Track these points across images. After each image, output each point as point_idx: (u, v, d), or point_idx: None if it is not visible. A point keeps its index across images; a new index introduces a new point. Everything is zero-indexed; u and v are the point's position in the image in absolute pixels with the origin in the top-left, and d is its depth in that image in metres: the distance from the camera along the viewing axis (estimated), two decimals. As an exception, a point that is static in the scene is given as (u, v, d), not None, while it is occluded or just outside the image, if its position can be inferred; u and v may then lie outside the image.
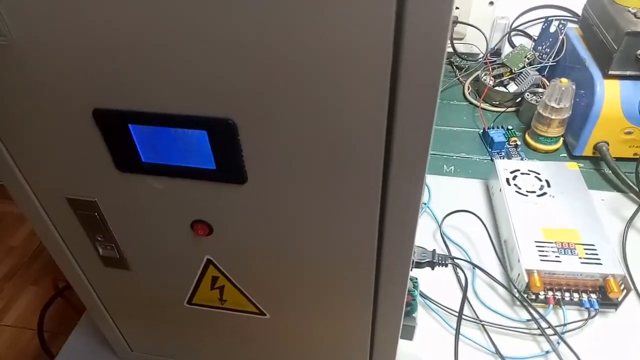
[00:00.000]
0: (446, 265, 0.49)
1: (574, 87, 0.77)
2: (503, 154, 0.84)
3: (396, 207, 0.32)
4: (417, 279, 0.52)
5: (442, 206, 0.73)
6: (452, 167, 0.82)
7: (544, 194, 0.69)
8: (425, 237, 0.70)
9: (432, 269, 0.49)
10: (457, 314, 0.60)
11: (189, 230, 0.37)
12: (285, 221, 0.35)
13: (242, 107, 0.28)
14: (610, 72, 0.74)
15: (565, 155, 0.83)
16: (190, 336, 0.50)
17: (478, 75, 0.96)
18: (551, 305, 0.60)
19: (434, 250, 0.49)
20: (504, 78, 0.92)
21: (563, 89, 0.77)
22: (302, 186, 0.32)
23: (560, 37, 0.87)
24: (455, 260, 0.66)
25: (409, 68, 0.25)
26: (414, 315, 0.52)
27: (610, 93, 0.74)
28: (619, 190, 0.76)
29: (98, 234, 0.40)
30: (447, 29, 0.23)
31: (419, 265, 0.48)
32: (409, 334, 0.52)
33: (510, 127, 0.87)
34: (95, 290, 0.48)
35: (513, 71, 0.91)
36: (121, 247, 0.41)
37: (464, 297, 0.50)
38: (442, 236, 0.69)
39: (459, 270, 0.63)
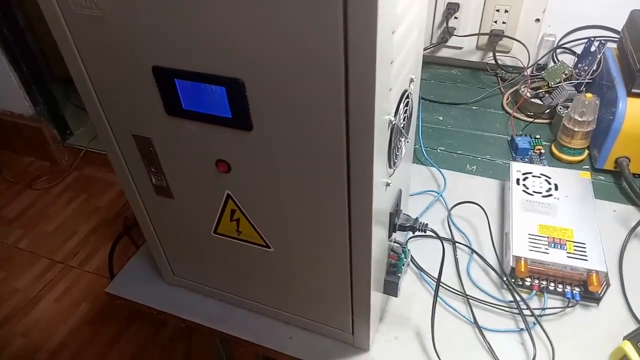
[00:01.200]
0: (425, 232, 0.57)
1: (597, 102, 0.81)
2: (526, 160, 0.89)
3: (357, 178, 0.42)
4: (406, 245, 0.61)
5: (456, 198, 0.80)
6: (475, 167, 0.89)
7: (550, 195, 0.74)
8: (434, 221, 0.78)
9: (413, 232, 0.58)
10: (448, 288, 0.67)
11: (214, 167, 0.50)
12: (283, 165, 0.46)
13: (249, 71, 0.40)
14: (634, 90, 0.77)
15: (588, 167, 0.87)
16: (216, 264, 0.63)
17: (518, 87, 1.01)
18: (534, 292, 0.66)
19: (417, 218, 0.58)
20: (541, 91, 0.97)
21: (586, 102, 0.81)
22: (293, 136, 0.43)
23: (599, 56, 0.90)
24: (456, 243, 0.74)
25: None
26: (398, 274, 0.61)
27: (633, 110, 0.78)
28: (634, 204, 0.79)
29: (152, 166, 0.54)
30: (374, 40, 0.33)
31: (402, 228, 0.57)
32: (392, 290, 0.61)
33: (538, 137, 0.91)
34: (150, 217, 0.62)
35: (550, 85, 0.96)
36: (167, 178, 0.54)
37: (442, 264, 0.58)
38: (448, 222, 0.77)
39: (446, 248, 0.71)
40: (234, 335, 0.64)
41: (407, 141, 0.53)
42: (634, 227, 0.73)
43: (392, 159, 0.48)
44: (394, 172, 0.50)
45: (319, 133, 0.42)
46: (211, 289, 0.67)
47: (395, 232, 0.58)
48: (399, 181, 0.56)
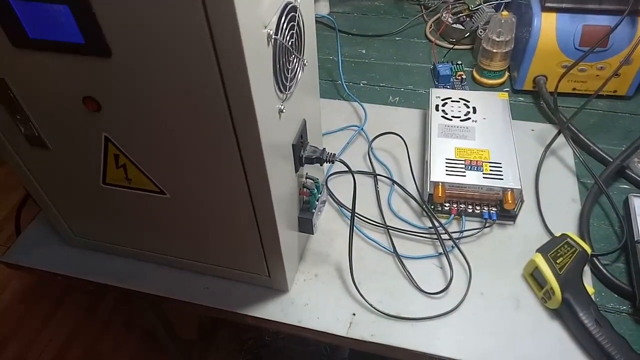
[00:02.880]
0: (333, 162, 0.54)
1: (514, 19, 0.79)
2: (449, 87, 0.87)
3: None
4: (318, 179, 0.58)
5: (378, 131, 0.77)
6: (397, 98, 0.86)
7: (468, 119, 0.72)
8: (356, 156, 0.75)
9: (321, 164, 0.55)
10: (368, 221, 0.66)
11: (82, 106, 0.44)
12: (155, 94, 0.41)
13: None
14: (547, 5, 0.75)
15: (509, 89, 0.86)
16: (114, 218, 0.58)
17: (440, 13, 0.98)
18: (452, 216, 0.65)
19: (324, 148, 0.54)
20: (462, 15, 0.94)
21: (503, 21, 0.79)
22: (158, 58, 0.38)
23: (516, -27, 0.88)
24: (378, 176, 0.72)
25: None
26: (312, 210, 0.58)
27: (547, 26, 0.76)
28: (552, 122, 0.79)
29: (16, 114, 0.47)
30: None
31: (309, 160, 0.54)
32: (307, 227, 0.58)
33: (459, 62, 0.89)
34: (31, 172, 0.55)
35: (470, 8, 0.93)
36: (36, 125, 0.48)
37: (354, 195, 0.56)
38: (369, 155, 0.75)
39: (368, 182, 0.69)
40: (145, 291, 0.61)
41: (305, 64, 0.49)
42: (550, 144, 0.73)
43: (281, 81, 0.43)
44: (287, 97, 0.46)
45: (184, 52, 0.36)
46: (116, 246, 0.63)
47: (302, 165, 0.54)
48: (300, 110, 0.52)
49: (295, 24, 0.44)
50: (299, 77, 0.48)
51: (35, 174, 0.56)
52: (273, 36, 0.39)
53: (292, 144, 0.51)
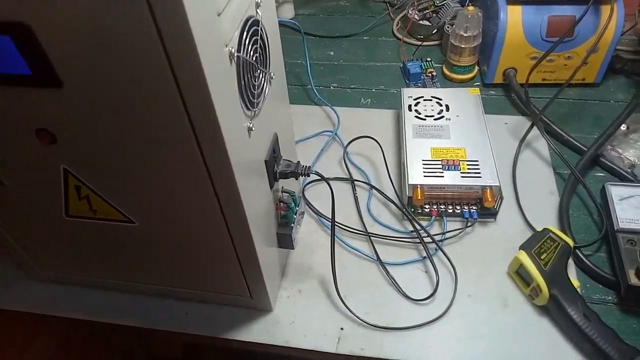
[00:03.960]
0: (308, 175, 0.52)
1: (480, 14, 0.78)
2: (419, 85, 0.86)
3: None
4: (294, 192, 0.56)
5: (352, 135, 0.76)
6: (369, 100, 0.85)
7: (441, 117, 0.72)
8: (331, 162, 0.74)
9: (296, 178, 0.53)
10: (348, 229, 0.64)
11: (36, 139, 0.41)
12: (113, 123, 0.38)
13: (33, 8, 0.31)
14: (511, -3, 0.75)
15: (479, 83, 0.85)
16: (81, 250, 0.55)
17: (406, 10, 0.97)
18: (433, 217, 0.64)
19: (298, 162, 0.53)
20: (427, 11, 0.93)
21: (469, 16, 0.78)
22: (114, 86, 0.35)
23: (478, -33, 0.87)
24: (355, 181, 0.70)
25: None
26: (291, 225, 0.56)
27: (513, 19, 0.76)
28: (524, 114, 0.79)
29: (-35, 150, 0.44)
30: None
31: (284, 175, 0.52)
32: (287, 243, 0.56)
33: (428, 59, 0.89)
34: (-12, 210, 0.52)
35: (436, 4, 0.92)
36: (-12, 161, 0.45)
37: (333, 204, 0.54)
38: (344, 160, 0.73)
39: (345, 188, 0.67)
40: (122, 324, 0.58)
41: (271, 77, 0.47)
42: (524, 137, 0.73)
43: (248, 98, 0.41)
44: (256, 114, 0.44)
45: (142, 78, 0.34)
46: (87, 278, 0.59)
47: (277, 180, 0.52)
48: (271, 124, 0.50)
49: (259, 37, 0.42)
50: (267, 91, 0.46)
51: (-7, 212, 0.52)
52: (235, 54, 0.37)
53: (265, 160, 0.49)
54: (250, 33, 0.40)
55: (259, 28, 0.42)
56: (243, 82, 0.40)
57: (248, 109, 0.42)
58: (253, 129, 0.43)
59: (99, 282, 0.59)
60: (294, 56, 0.93)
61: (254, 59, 0.41)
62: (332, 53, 0.95)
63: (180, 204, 0.45)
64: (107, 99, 0.36)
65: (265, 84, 0.45)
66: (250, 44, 0.40)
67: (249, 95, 0.41)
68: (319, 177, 0.52)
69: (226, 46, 0.36)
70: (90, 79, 0.35)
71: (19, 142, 0.42)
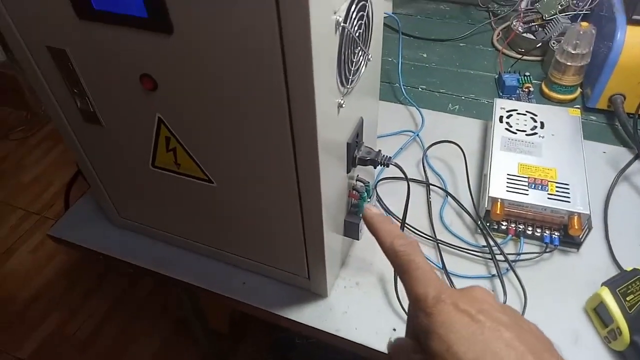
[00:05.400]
0: (388, 166, 0.51)
1: (594, 31, 0.73)
2: (514, 98, 0.82)
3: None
4: (368, 182, 0.55)
5: (434, 139, 0.74)
6: (457, 106, 0.82)
7: (534, 133, 0.67)
8: (409, 162, 0.72)
9: (375, 167, 0.52)
10: (417, 232, 0.62)
11: (139, 83, 0.43)
12: (213, 77, 0.39)
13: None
14: (634, 17, 0.69)
15: (580, 107, 0.80)
16: (160, 202, 0.57)
17: (510, 21, 0.92)
18: (510, 236, 0.60)
19: (379, 150, 0.51)
20: (534, 24, 0.88)
21: (581, 32, 0.73)
22: (220, 39, 0.36)
23: (599, -16, 0.82)
24: (431, 185, 0.68)
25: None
26: (360, 215, 0.55)
27: (632, 40, 0.70)
28: (626, 145, 0.73)
29: (74, 87, 0.47)
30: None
31: (363, 161, 0.51)
32: (353, 232, 0.55)
33: (527, 74, 0.84)
34: (83, 148, 0.55)
35: (544, 18, 0.87)
36: (92, 100, 0.47)
37: (407, 203, 0.52)
38: (423, 163, 0.71)
39: (420, 191, 0.65)
40: (183, 280, 0.59)
41: (369, 59, 0.46)
42: (624, 169, 0.67)
43: (344, 73, 0.41)
44: (348, 92, 0.43)
45: (248, 35, 0.34)
46: (159, 231, 0.62)
47: (355, 166, 0.51)
48: (358, 108, 0.49)
49: (365, 14, 0.41)
50: (362, 71, 0.45)
51: (87, 151, 0.55)
52: (342, 24, 0.37)
53: (347, 143, 0.48)
54: (358, 7, 0.39)
55: (367, 4, 0.41)
56: (343, 56, 0.39)
57: (342, 84, 0.41)
58: (343, 105, 0.42)
59: (168, 236, 0.62)
60: (385, 53, 0.92)
61: (357, 34, 0.41)
62: (425, 55, 0.93)
63: (260, 172, 0.45)
64: (212, 52, 0.37)
65: (362, 63, 0.45)
66: (357, 18, 0.40)
67: (346, 71, 0.41)
68: (396, 175, 0.50)
69: (334, 13, 0.36)
70: (199, 30, 0.36)
71: (123, 85, 0.44)
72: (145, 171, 0.53)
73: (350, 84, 0.43)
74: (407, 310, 0.36)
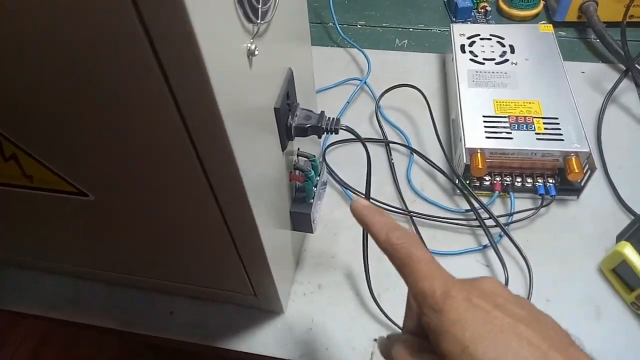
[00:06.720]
0: (337, 132, 0.37)
1: None
2: (470, 22, 0.69)
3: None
4: (314, 156, 0.41)
5: (386, 84, 0.59)
6: (406, 41, 0.68)
7: (505, 60, 0.55)
8: (359, 118, 0.58)
9: (319, 136, 0.37)
10: (384, 206, 0.49)
11: None
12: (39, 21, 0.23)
13: None
14: None
15: (545, 22, 0.68)
16: (26, 228, 0.41)
17: None
18: (497, 193, 0.49)
19: (322, 112, 0.37)
20: None
21: None
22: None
23: None
24: (391, 143, 0.55)
25: None
26: (310, 201, 0.41)
27: None
28: (605, 61, 0.62)
29: None
30: None
31: (301, 131, 0.36)
32: (305, 225, 0.42)
33: (481, -9, 0.71)
34: None
35: None
36: None
37: (368, 174, 0.39)
38: (377, 116, 0.57)
39: (378, 152, 0.52)
40: (86, 322, 0.44)
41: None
42: (612, 89, 0.56)
43: (249, 3, 0.25)
44: (261, 31, 0.28)
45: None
46: (46, 262, 0.45)
47: (292, 139, 0.37)
48: (283, 56, 0.34)
49: None
50: (277, 2, 0.30)
51: None
52: None
53: (275, 108, 0.33)
54: None
55: None
56: (240, -30, 0.24)
57: (249, 19, 0.26)
58: (256, 52, 0.27)
59: (60, 266, 0.46)
60: (312, -13, 0.76)
61: None
62: (358, -16, 0.77)
63: (148, 170, 0.30)
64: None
65: (276, -11, 0.29)
66: None
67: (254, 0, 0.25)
68: (345, 138, 0.36)
69: None
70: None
71: None
72: (-10, 192, 0.36)
73: (262, 17, 0.27)
74: (406, 301, 0.29)
